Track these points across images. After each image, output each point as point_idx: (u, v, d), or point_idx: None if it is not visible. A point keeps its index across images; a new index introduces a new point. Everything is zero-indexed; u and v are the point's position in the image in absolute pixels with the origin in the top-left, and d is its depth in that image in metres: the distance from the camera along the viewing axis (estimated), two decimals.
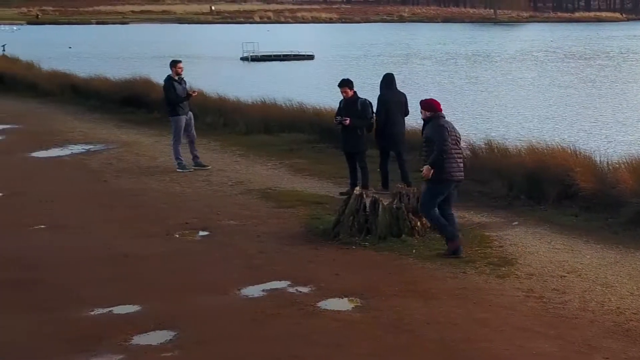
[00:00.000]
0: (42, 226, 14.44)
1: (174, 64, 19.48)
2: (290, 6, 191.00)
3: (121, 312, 10.28)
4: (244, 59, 71.25)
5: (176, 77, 19.23)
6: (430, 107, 12.77)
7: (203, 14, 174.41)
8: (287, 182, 17.70)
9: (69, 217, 15.00)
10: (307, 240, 13.43)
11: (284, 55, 71.74)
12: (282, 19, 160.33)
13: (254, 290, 11.08)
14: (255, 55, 71.26)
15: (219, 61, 66.69)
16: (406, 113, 17.21)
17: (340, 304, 10.56)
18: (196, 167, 18.83)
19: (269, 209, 15.42)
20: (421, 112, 12.94)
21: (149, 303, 10.58)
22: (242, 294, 10.99)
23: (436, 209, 12.59)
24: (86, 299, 10.80)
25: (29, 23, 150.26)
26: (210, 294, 10.99)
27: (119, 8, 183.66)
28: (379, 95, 16.94)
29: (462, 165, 12.78)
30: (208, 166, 18.90)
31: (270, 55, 71.16)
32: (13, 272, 12.00)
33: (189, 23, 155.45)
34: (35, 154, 21.36)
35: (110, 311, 10.32)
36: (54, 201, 16.24)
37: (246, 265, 12.15)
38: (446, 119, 12.84)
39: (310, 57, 71.68)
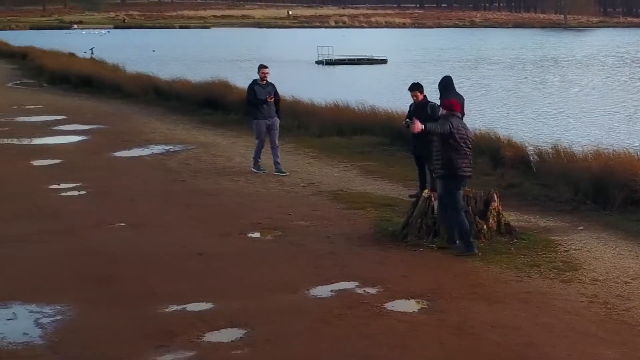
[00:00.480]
0: (123, 224, 14.52)
1: (259, 68, 19.18)
2: (365, 11, 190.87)
3: (194, 310, 10.27)
4: (319, 62, 71.29)
5: (262, 82, 18.91)
6: (449, 106, 13.16)
7: (281, 18, 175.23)
8: (358, 184, 17.59)
9: (148, 216, 15.07)
10: (376, 241, 13.31)
11: (357, 59, 71.67)
12: (357, 24, 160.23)
13: (322, 291, 11.00)
14: (330, 59, 71.22)
15: (294, 64, 66.75)
16: (463, 114, 17.12)
17: (406, 306, 10.45)
18: (276, 173, 18.58)
19: (340, 210, 15.33)
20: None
21: (222, 301, 10.57)
22: (311, 293, 10.93)
23: (460, 207, 12.72)
24: (162, 295, 10.83)
25: (116, 27, 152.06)
26: (280, 293, 10.94)
27: (201, 13, 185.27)
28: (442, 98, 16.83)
29: (471, 162, 13.11)
30: (287, 173, 18.57)
31: (344, 59, 71.09)
32: (96, 268, 12.09)
33: (267, 27, 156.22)
34: (118, 154, 21.51)
35: (184, 308, 10.33)
36: (135, 200, 16.34)
37: (316, 265, 12.08)
38: (459, 118, 13.16)
39: (383, 61, 71.48)
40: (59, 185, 17.67)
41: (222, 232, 13.94)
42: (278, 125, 19.04)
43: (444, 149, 12.78)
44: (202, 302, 10.54)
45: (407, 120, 16.13)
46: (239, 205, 15.83)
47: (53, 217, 14.95)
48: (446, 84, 17.22)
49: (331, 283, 11.28)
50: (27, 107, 31.66)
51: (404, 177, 18.12)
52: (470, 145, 13.04)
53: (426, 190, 14.33)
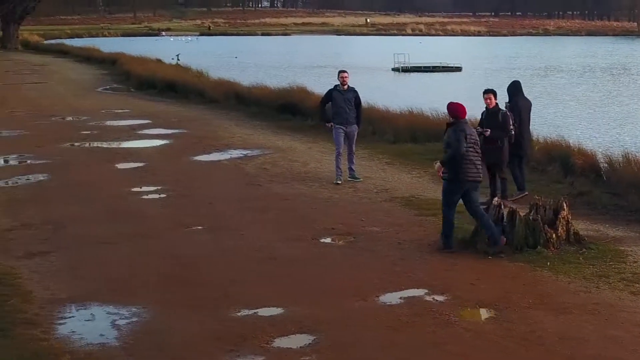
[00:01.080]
0: (200, 227, 14.43)
1: (339, 73, 18.66)
2: (441, 19, 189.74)
3: (265, 314, 10.13)
4: (395, 69, 70.84)
5: (343, 87, 18.32)
6: (454, 113, 13.13)
7: (359, 26, 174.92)
8: (429, 191, 17.25)
9: (224, 220, 14.96)
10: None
11: (433, 67, 71.09)
12: (433, 32, 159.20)
13: (392, 297, 10.77)
14: (406, 66, 70.72)
15: (371, 71, 66.34)
16: (528, 120, 16.91)
17: (474, 314, 10.16)
18: (350, 179, 18.25)
19: (411, 217, 15.06)
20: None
21: (292, 306, 10.40)
22: (380, 300, 10.70)
23: (454, 207, 13.07)
24: (235, 298, 10.71)
25: (202, 34, 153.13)
26: (350, 299, 10.73)
27: (282, 20, 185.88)
28: (512, 102, 16.50)
29: (479, 167, 13.12)
30: (360, 179, 18.23)
31: (419, 67, 70.57)
32: (172, 270, 12.02)
33: (345, 35, 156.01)
34: (198, 158, 21.47)
35: (255, 312, 10.19)
36: (212, 203, 16.24)
37: (386, 272, 11.84)
38: (468, 124, 13.19)
39: (458, 69, 70.80)
40: (140, 188, 17.68)
41: (295, 237, 13.77)
42: (356, 132, 18.56)
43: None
44: (273, 306, 10.39)
45: (478, 128, 15.81)
46: (313, 211, 15.64)
47: (133, 220, 14.92)
48: (514, 88, 16.91)
49: (400, 290, 11.04)
50: (115, 111, 31.90)
51: None
52: (478, 150, 13.12)
53: (496, 198, 14.02)
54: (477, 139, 13.31)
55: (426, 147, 22.76)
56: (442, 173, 13.06)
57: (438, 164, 13.08)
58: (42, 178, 18.89)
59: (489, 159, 15.90)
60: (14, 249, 13.03)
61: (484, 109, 16.20)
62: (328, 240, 13.70)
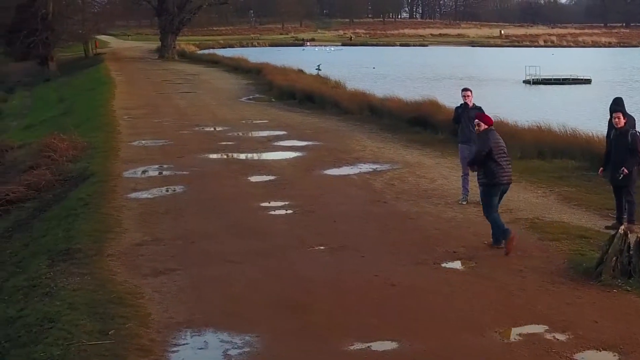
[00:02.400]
0: (322, 247, 13.70)
1: (462, 91, 17.64)
2: (573, 30, 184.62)
3: (378, 349, 9.34)
4: (526, 82, 68.75)
5: (468, 105, 17.25)
6: (485, 121, 14.00)
7: (493, 37, 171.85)
8: (554, 212, 16.10)
9: (347, 239, 14.18)
10: (569, 277, 11.91)
11: (563, 79, 68.70)
12: (565, 43, 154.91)
13: (510, 334, 9.80)
14: (537, 79, 68.55)
15: (502, 83, 64.69)
16: None
17: (597, 358, 9.09)
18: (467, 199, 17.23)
19: (534, 241, 13.96)
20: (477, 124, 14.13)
21: (406, 339, 9.57)
22: (498, 336, 9.73)
23: (495, 209, 13.75)
24: (349, 329, 9.96)
25: (344, 44, 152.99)
26: (467, 333, 9.81)
27: (420, 31, 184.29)
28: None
29: (509, 171, 13.86)
30: None
31: (550, 79, 68.29)
32: (290, 294, 11.34)
33: (480, 46, 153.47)
34: (328, 172, 20.76)
35: (368, 347, 9.41)
36: (337, 221, 15.49)
37: (505, 303, 10.85)
38: (493, 131, 13.89)
39: (587, 81, 68.25)
40: (269, 203, 17.07)
41: (416, 261, 12.88)
42: None
43: (484, 161, 13.63)
44: (387, 340, 9.59)
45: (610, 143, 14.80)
46: (436, 232, 14.70)
47: (258, 237, 14.31)
48: (616, 105, 15.72)
49: (520, 325, 10.05)
50: (254, 122, 31.52)
51: (601, 205, 16.50)
52: (507, 155, 13.92)
53: (622, 226, 12.83)
54: (504, 145, 13.92)
55: (553, 164, 21.54)
56: (478, 179, 13.88)
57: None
58: (178, 190, 18.52)
59: (615, 180, 14.74)
60: (142, 266, 12.57)
61: (613, 129, 14.99)
62: (450, 265, 12.77)
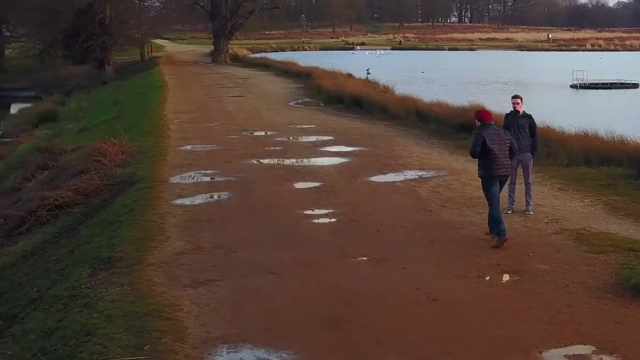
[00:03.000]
0: (365, 258, 13.22)
1: (511, 98, 16.88)
2: (620, 34, 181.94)
3: None
4: (573, 86, 67.56)
5: (518, 113, 16.46)
6: (478, 118, 14.60)
7: (541, 41, 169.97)
8: (601, 222, 15.43)
9: (390, 250, 13.68)
10: (616, 294, 11.30)
11: (610, 84, 67.39)
12: (612, 47, 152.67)
13: (556, 355, 9.26)
14: (584, 83, 67.31)
15: (549, 88, 63.68)
16: None
17: None
18: (527, 213, 16.51)
19: (581, 253, 13.34)
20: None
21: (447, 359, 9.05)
22: (543, 357, 9.18)
23: (497, 201, 14.19)
24: (386, 346, 9.52)
25: (393, 48, 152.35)
26: (510, 353, 9.28)
27: (469, 35, 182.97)
28: None
29: (505, 164, 14.19)
30: (531, 213, 16.46)
31: (597, 83, 67.01)
32: (330, 308, 10.89)
33: (527, 50, 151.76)
34: (373, 178, 20.26)
35: None
36: (380, 230, 14.99)
37: (551, 321, 10.28)
38: (491, 126, 14.28)
39: (634, 86, 66.88)
40: (312, 211, 16.62)
41: (459, 273, 12.35)
42: (530, 162, 16.66)
43: (481, 155, 14.13)
44: (426, 359, 9.06)
45: None
46: (480, 242, 14.14)
47: (300, 247, 13.87)
48: None
49: (565, 346, 9.49)
50: (302, 126, 31.13)
51: None
52: (503, 149, 14.13)
53: None
54: (503, 140, 14.18)
55: (600, 171, 20.82)
56: (480, 172, 14.39)
57: None
58: (223, 197, 18.15)
59: None
60: (182, 276, 12.20)
61: None
62: (493, 278, 12.21)
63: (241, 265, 12.79)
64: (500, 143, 14.14)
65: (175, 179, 20.07)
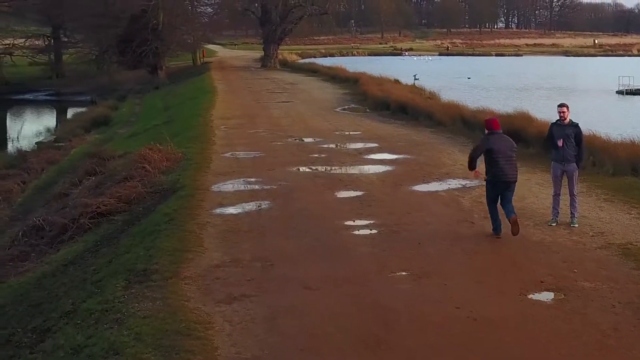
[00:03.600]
0: (404, 273, 12.59)
1: (558, 107, 16.00)
2: None
3: None
4: (619, 92, 66.03)
5: (564, 122, 15.62)
6: (487, 126, 15.52)
7: (587, 47, 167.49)
8: None
9: (430, 264, 13.04)
10: None
11: None
12: None
13: None
14: (630, 89, 65.76)
15: (595, 94, 62.30)
16: None
17: None
18: (572, 226, 15.73)
19: (628, 270, 12.59)
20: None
21: None
22: None
23: (493, 203, 14.93)
24: None
25: (440, 54, 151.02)
26: None
27: (516, 41, 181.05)
28: None
29: (508, 172, 14.74)
30: (577, 225, 15.68)
31: None
32: (367, 327, 10.30)
33: (574, 56, 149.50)
34: (416, 188, 19.61)
35: None
36: (421, 243, 14.36)
37: (597, 345, 9.59)
38: (498, 134, 15.11)
39: None
40: (353, 221, 16.02)
41: (500, 290, 11.68)
42: (576, 172, 15.86)
43: (487, 162, 14.89)
44: None
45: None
46: (522, 256, 13.45)
47: (339, 260, 13.28)
48: None
49: None
50: (347, 133, 30.53)
51: None
52: (507, 156, 14.76)
53: None
54: (506, 148, 14.82)
55: None
56: (486, 175, 15.02)
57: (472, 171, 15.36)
58: (263, 206, 17.60)
59: None
60: (217, 291, 11.68)
61: None
62: (536, 296, 11.51)
63: (277, 280, 12.25)
64: (505, 151, 14.78)
65: (217, 187, 19.58)
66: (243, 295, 11.49)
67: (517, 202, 17.44)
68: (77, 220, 17.96)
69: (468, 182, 20.05)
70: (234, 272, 12.60)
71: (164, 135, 27.61)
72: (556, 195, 15.90)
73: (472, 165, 15.24)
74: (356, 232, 15.23)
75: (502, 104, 37.49)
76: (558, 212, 15.86)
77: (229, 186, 19.78)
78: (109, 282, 12.64)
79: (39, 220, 19.20)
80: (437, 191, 19.23)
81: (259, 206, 17.55)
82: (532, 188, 19.22)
